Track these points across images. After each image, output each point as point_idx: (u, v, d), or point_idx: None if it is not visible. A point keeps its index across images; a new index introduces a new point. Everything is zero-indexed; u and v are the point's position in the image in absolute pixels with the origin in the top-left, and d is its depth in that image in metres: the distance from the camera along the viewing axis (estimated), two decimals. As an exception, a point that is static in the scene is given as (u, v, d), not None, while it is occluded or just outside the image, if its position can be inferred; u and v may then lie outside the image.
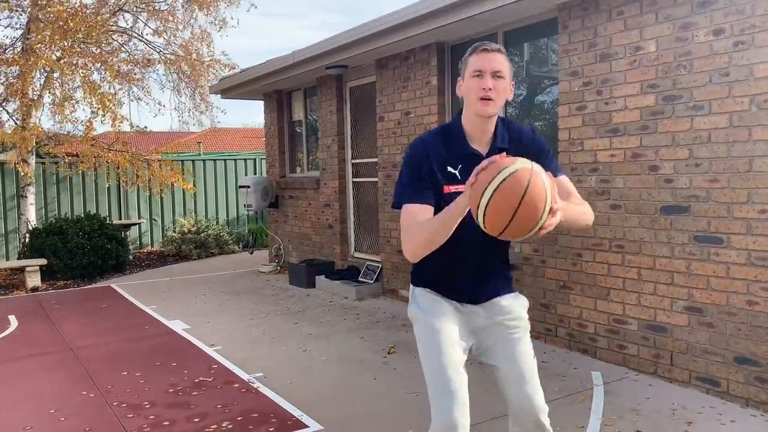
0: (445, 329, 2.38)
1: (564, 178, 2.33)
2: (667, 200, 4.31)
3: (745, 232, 3.88)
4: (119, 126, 10.54)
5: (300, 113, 9.62)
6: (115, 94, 11.12)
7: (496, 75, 2.19)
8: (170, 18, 12.41)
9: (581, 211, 2.24)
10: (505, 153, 2.01)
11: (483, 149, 2.28)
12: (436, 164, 2.26)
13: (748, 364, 3.89)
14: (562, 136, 5.05)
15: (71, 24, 9.81)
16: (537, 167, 1.89)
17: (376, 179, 7.68)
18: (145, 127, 11.49)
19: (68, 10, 10.13)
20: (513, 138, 2.32)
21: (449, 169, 2.28)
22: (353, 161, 8.27)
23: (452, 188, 2.26)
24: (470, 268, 2.38)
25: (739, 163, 3.89)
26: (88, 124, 10.63)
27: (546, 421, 2.38)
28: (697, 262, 4.14)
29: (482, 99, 2.18)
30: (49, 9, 10.16)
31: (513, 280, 2.52)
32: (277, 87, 9.51)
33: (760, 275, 3.81)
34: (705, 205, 4.09)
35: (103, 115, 10.27)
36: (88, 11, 10.41)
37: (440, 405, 2.26)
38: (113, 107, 10.31)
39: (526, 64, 5.77)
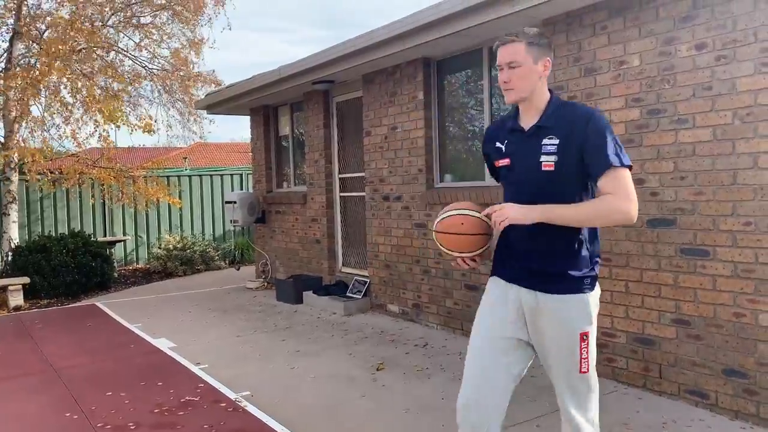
0: None
1: (607, 179, 2.30)
2: (653, 213, 4.33)
3: (730, 244, 3.90)
4: (118, 125, 10.46)
5: (287, 128, 9.61)
6: (120, 105, 11.07)
7: (510, 66, 2.41)
8: (153, 31, 12.40)
9: (589, 211, 2.32)
10: (541, 128, 2.40)
11: (526, 126, 2.48)
12: (491, 144, 2.62)
13: (736, 376, 3.90)
14: (548, 150, 5.06)
15: (61, 46, 9.77)
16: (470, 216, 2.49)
17: (363, 194, 7.67)
18: (152, 125, 11.36)
19: (59, 29, 10.10)
20: (563, 117, 2.40)
21: (497, 144, 2.58)
22: (340, 176, 8.26)
23: (500, 162, 2.55)
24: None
25: (723, 176, 3.92)
26: (76, 141, 10.58)
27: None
28: (684, 275, 4.16)
29: (504, 90, 2.46)
30: (40, 31, 10.14)
31: (582, 283, 2.42)
32: (264, 102, 9.50)
33: (746, 287, 3.83)
34: (691, 217, 4.11)
35: (116, 126, 10.23)
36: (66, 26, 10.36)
37: None
38: (121, 116, 10.27)
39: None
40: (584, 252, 2.40)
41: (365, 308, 7.43)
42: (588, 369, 2.40)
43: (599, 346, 4.71)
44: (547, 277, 2.39)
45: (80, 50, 10.70)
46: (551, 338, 2.40)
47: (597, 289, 2.45)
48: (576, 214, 2.32)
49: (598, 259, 2.46)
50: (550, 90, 2.48)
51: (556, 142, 2.37)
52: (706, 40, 3.98)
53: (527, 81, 2.39)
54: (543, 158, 2.38)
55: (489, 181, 5.88)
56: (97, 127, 10.77)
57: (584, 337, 2.37)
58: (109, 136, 10.86)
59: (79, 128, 10.86)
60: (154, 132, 11.13)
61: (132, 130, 10.58)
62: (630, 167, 2.35)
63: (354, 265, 8.15)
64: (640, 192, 4.38)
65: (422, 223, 6.56)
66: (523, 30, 2.45)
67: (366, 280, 7.55)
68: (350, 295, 7.63)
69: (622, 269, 4.55)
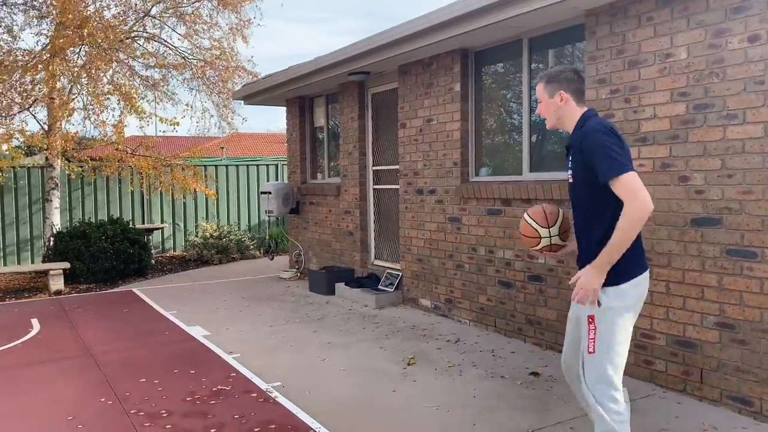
0: None
1: (616, 187, 2.66)
2: (697, 212, 4.18)
3: (780, 246, 3.73)
4: (146, 122, 10.63)
5: (322, 119, 9.60)
6: (137, 89, 11.20)
7: (539, 101, 3.04)
8: (197, 20, 12.50)
9: (622, 233, 2.64)
10: (568, 148, 2.95)
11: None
12: None
13: (782, 383, 3.74)
14: (588, 145, 4.92)
15: (87, 30, 9.90)
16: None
17: (396, 186, 7.61)
18: (174, 118, 11.53)
19: (86, 17, 10.24)
20: (576, 137, 2.87)
21: None
22: (374, 168, 8.22)
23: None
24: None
25: (774, 175, 3.75)
26: (118, 125, 10.75)
27: (585, 405, 3.02)
28: (730, 277, 4.00)
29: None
30: (70, 16, 10.29)
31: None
32: (300, 93, 9.50)
33: (796, 291, 3.66)
34: (738, 217, 3.94)
35: (130, 113, 10.37)
36: (107, 19, 10.49)
37: None
38: (136, 102, 10.39)
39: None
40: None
41: (397, 302, 7.39)
42: (594, 350, 2.77)
43: (637, 346, 4.58)
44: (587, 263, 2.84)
45: (122, 40, 10.85)
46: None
47: (623, 285, 2.76)
48: (616, 244, 2.66)
49: (623, 258, 2.72)
50: (587, 113, 2.91)
51: (573, 158, 2.88)
52: (760, 32, 3.79)
53: (549, 112, 2.99)
54: (569, 172, 2.95)
55: (526, 175, 5.76)
56: (121, 113, 10.91)
57: (590, 320, 2.79)
58: (127, 125, 11.02)
59: (113, 115, 11.04)
60: (178, 125, 11.24)
61: (150, 123, 10.73)
62: (621, 173, 2.64)
63: (386, 258, 8.11)
64: (684, 189, 4.24)
65: (456, 217, 6.47)
66: (543, 72, 3.07)
67: (398, 273, 7.50)
68: (382, 288, 7.60)
69: (663, 269, 4.40)
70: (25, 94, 10.93)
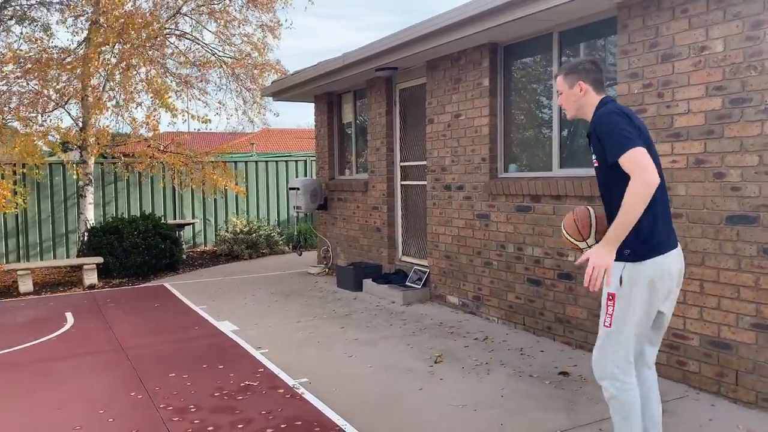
0: None
1: (622, 163, 2.73)
2: (733, 209, 4.06)
3: (820, 245, 3.60)
4: (177, 118, 10.78)
5: (350, 115, 9.60)
6: (169, 85, 11.32)
7: (558, 93, 3.16)
8: (226, 17, 12.58)
9: (627, 214, 2.69)
10: (589, 135, 2.97)
11: None
12: None
13: (822, 387, 3.61)
14: (619, 141, 4.82)
15: (129, 27, 10.05)
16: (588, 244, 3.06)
17: (424, 182, 7.57)
18: (206, 116, 11.65)
19: (125, 14, 10.38)
20: (592, 123, 2.97)
21: None
22: (402, 164, 8.19)
23: None
24: None
25: (815, 171, 3.62)
26: (153, 123, 10.91)
27: (597, 376, 3.00)
28: (767, 276, 3.88)
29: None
30: (109, 14, 10.45)
31: (621, 253, 2.83)
32: (328, 89, 9.51)
33: (837, 292, 3.53)
34: (776, 215, 3.82)
35: (161, 107, 10.51)
36: (145, 14, 10.62)
37: None
38: (167, 99, 10.52)
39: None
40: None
41: (424, 298, 7.36)
42: (610, 325, 2.89)
43: (670, 347, 4.48)
44: None
45: (156, 37, 10.98)
46: None
47: (643, 263, 2.82)
48: (624, 218, 2.70)
49: (640, 234, 2.80)
50: (604, 99, 3.01)
51: (593, 143, 2.96)
52: (800, 23, 3.66)
53: (569, 103, 3.10)
54: (593, 157, 3.01)
55: (556, 171, 5.67)
56: (154, 111, 11.04)
57: (610, 297, 2.89)
58: (159, 121, 11.14)
59: (139, 108, 11.21)
60: (209, 122, 11.34)
61: (185, 120, 10.90)
62: (627, 149, 2.71)
63: (414, 254, 8.09)
64: (720, 186, 4.12)
65: (484, 214, 6.41)
66: (562, 66, 3.28)
67: (425, 270, 7.47)
68: (409, 284, 7.58)
69: (697, 268, 4.29)
70: (60, 92, 11.15)
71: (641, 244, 2.81)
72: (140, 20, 10.23)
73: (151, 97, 10.78)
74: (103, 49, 10.56)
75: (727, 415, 3.91)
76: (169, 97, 10.52)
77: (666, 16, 4.44)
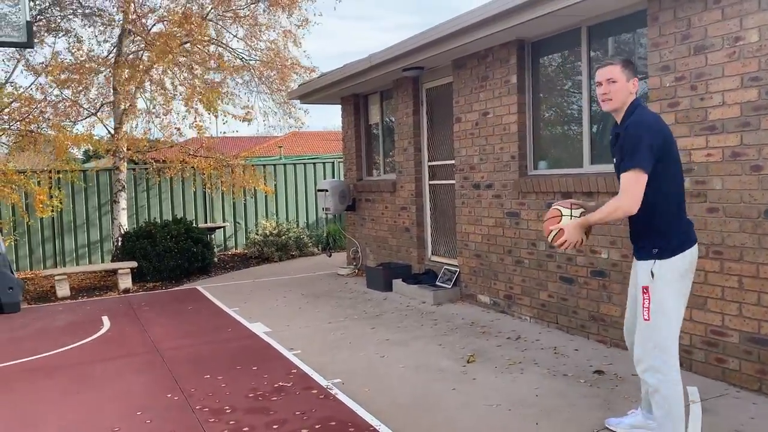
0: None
1: (623, 176, 3.00)
2: (772, 203, 3.96)
3: None
4: (216, 120, 11.01)
5: (376, 116, 9.61)
6: (217, 88, 11.48)
7: (610, 81, 3.14)
8: (253, 22, 12.71)
9: (606, 214, 3.06)
10: (617, 136, 3.15)
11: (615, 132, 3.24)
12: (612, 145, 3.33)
13: None
14: (652, 135, 4.74)
15: (170, 44, 10.22)
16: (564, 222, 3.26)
17: (453, 182, 7.54)
18: (248, 113, 11.72)
19: (163, 34, 10.55)
20: (624, 124, 3.11)
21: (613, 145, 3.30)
22: (430, 163, 8.17)
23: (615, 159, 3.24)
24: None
25: None
26: (198, 125, 11.11)
27: (640, 369, 3.15)
28: (809, 271, 3.78)
29: (602, 101, 3.21)
30: (138, 24, 10.64)
31: (650, 252, 3.11)
32: (354, 91, 9.54)
33: None
34: (817, 208, 3.72)
35: (208, 111, 10.69)
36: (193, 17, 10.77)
37: None
38: (215, 102, 10.68)
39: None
40: (654, 232, 3.09)
41: (455, 298, 7.34)
42: (649, 318, 3.06)
43: (708, 344, 4.39)
44: (636, 248, 3.24)
45: (186, 43, 11.14)
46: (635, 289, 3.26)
47: (671, 259, 3.05)
48: (600, 217, 3.11)
49: (667, 236, 3.07)
50: (636, 101, 3.15)
51: (619, 142, 3.10)
52: (839, 9, 3.56)
53: (621, 94, 3.13)
54: (616, 158, 3.18)
55: (587, 168, 5.60)
56: (196, 118, 11.22)
57: (645, 290, 3.08)
58: (203, 124, 11.28)
59: (182, 119, 11.40)
60: (252, 121, 11.45)
61: (226, 120, 11.07)
62: (636, 168, 2.94)
63: (443, 253, 8.06)
64: (758, 179, 4.03)
65: (515, 212, 6.36)
66: (617, 56, 3.37)
67: (455, 269, 7.44)
68: (439, 284, 7.55)
69: (735, 263, 4.20)
70: (93, 101, 11.40)
71: (666, 243, 3.07)
72: (179, 34, 10.38)
73: (198, 100, 10.92)
74: (132, 56, 10.75)
75: (770, 413, 3.81)
76: (216, 101, 10.68)
77: (698, 8, 4.35)
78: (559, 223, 3.26)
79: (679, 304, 3.08)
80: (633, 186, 2.95)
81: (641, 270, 3.14)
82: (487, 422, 3.87)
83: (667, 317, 3.04)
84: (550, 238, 3.29)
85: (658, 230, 3.08)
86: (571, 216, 3.23)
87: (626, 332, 3.49)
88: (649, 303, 3.06)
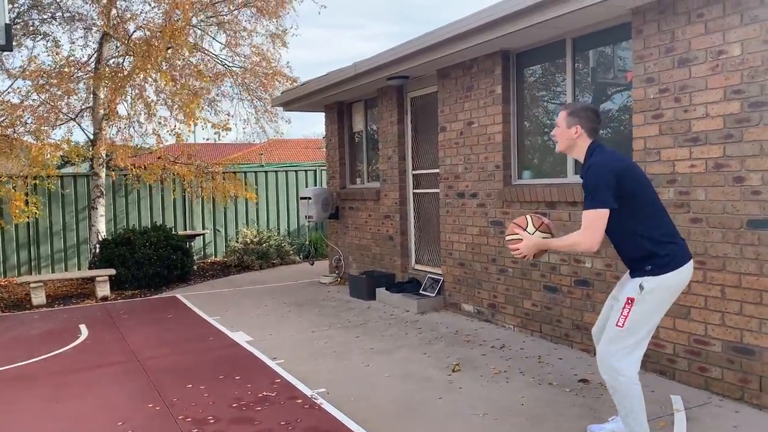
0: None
1: (584, 214, 3.19)
2: (754, 213, 4.02)
3: None
4: (195, 127, 10.86)
5: (360, 124, 9.61)
6: (195, 94, 11.37)
7: (557, 125, 3.47)
8: (236, 28, 12.65)
9: (564, 245, 3.30)
10: (582, 177, 3.34)
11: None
12: None
13: None
14: (636, 146, 4.80)
15: (155, 52, 10.11)
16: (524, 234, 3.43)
17: (437, 190, 7.56)
18: (226, 122, 11.64)
19: (146, 39, 10.45)
20: (584, 168, 3.33)
21: None
22: (414, 172, 8.18)
23: None
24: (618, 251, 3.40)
25: (838, 174, 3.58)
26: (177, 133, 10.98)
27: (600, 369, 3.30)
28: (790, 281, 3.84)
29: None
30: (120, 29, 10.51)
31: (643, 270, 3.21)
32: (338, 99, 9.53)
33: None
34: (798, 219, 3.78)
35: (186, 120, 10.58)
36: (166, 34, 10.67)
37: None
38: (194, 109, 10.58)
39: (592, 71, 5.54)
40: (643, 255, 3.21)
41: (439, 307, 7.33)
42: (623, 325, 3.20)
43: (691, 353, 4.43)
44: (630, 271, 3.35)
45: (168, 48, 11.04)
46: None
47: (660, 276, 3.16)
48: (558, 244, 3.32)
49: (656, 257, 3.18)
50: (593, 144, 3.36)
51: (583, 186, 3.30)
52: (820, 25, 3.64)
53: (562, 138, 3.43)
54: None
55: (571, 177, 5.65)
56: (175, 126, 11.12)
57: (629, 301, 3.20)
58: (182, 134, 11.17)
59: (160, 125, 11.24)
60: (230, 130, 11.38)
61: (205, 127, 10.93)
62: (596, 206, 3.14)
63: (427, 262, 8.06)
64: (740, 190, 4.09)
65: (498, 221, 6.39)
66: (569, 103, 3.56)
67: (439, 278, 7.44)
68: (423, 292, 7.55)
69: (717, 273, 4.25)
70: (71, 106, 11.24)
71: (657, 262, 3.17)
72: (163, 42, 10.26)
73: (178, 107, 10.81)
74: (115, 62, 10.63)
75: (752, 421, 3.85)
76: (196, 107, 10.58)
77: (682, 21, 4.43)
78: (523, 231, 3.43)
79: (656, 319, 3.24)
80: (593, 223, 3.13)
81: (630, 284, 3.26)
82: (474, 431, 3.86)
83: (641, 330, 3.21)
84: (508, 238, 3.48)
85: (644, 253, 3.20)
86: (534, 233, 3.40)
87: (594, 334, 3.62)
88: (629, 313, 3.18)
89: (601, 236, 3.14)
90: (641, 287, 3.17)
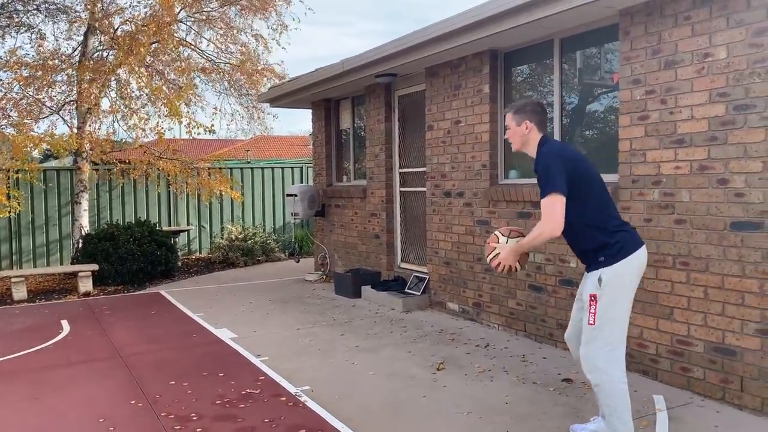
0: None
1: (542, 203, 3.25)
2: (737, 215, 4.06)
3: (826, 251, 3.60)
4: (180, 125, 10.77)
5: (348, 122, 9.58)
6: (179, 90, 11.26)
7: (507, 128, 3.59)
8: (223, 26, 12.55)
9: (532, 238, 3.30)
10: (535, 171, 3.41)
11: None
12: None
13: (829, 393, 3.61)
14: (622, 147, 4.83)
15: (138, 47, 10.01)
16: (501, 245, 3.53)
17: (424, 189, 7.56)
18: (212, 125, 11.57)
19: (131, 33, 10.34)
20: (536, 161, 3.43)
21: None
22: (401, 170, 8.17)
23: None
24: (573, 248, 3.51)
25: (819, 177, 3.63)
26: (159, 130, 10.87)
27: (584, 369, 3.34)
28: (772, 282, 3.88)
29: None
30: (106, 23, 10.40)
31: (597, 262, 3.30)
32: (326, 96, 9.50)
33: (843, 298, 3.53)
34: (781, 221, 3.82)
35: (170, 116, 10.48)
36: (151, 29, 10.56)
37: None
38: (176, 106, 10.47)
39: (579, 71, 5.57)
40: (595, 246, 3.30)
41: (424, 305, 7.34)
42: (594, 322, 3.26)
43: (674, 353, 4.47)
44: (586, 265, 3.43)
45: (154, 43, 10.93)
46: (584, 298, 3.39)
47: (615, 265, 3.24)
48: (527, 240, 3.35)
49: (608, 246, 3.28)
50: (543, 139, 3.45)
51: (537, 177, 3.35)
52: (804, 30, 3.68)
53: (515, 137, 3.54)
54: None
55: (557, 178, 5.67)
56: (158, 123, 11.02)
57: (592, 298, 3.28)
58: (164, 131, 11.08)
59: (143, 121, 11.13)
60: (215, 132, 11.30)
61: (189, 127, 10.80)
62: (551, 192, 3.19)
63: (413, 261, 8.06)
64: (724, 192, 4.13)
65: (485, 220, 6.40)
66: (512, 103, 3.66)
67: (425, 276, 7.44)
68: (409, 291, 7.55)
69: (701, 274, 4.29)
70: (56, 99, 11.10)
71: (609, 251, 3.26)
72: (147, 37, 10.16)
73: (162, 104, 10.72)
74: (100, 55, 10.51)
75: (733, 421, 3.89)
76: (177, 104, 10.48)
77: (669, 23, 4.46)
78: (497, 244, 3.55)
79: (625, 308, 3.29)
80: (552, 209, 3.19)
81: (589, 280, 3.33)
82: (458, 430, 3.86)
83: (613, 321, 3.25)
84: (488, 259, 3.57)
85: (596, 244, 3.29)
86: (507, 241, 3.51)
87: (567, 338, 3.69)
88: (596, 309, 3.26)
89: (562, 218, 3.18)
90: (600, 280, 3.24)
